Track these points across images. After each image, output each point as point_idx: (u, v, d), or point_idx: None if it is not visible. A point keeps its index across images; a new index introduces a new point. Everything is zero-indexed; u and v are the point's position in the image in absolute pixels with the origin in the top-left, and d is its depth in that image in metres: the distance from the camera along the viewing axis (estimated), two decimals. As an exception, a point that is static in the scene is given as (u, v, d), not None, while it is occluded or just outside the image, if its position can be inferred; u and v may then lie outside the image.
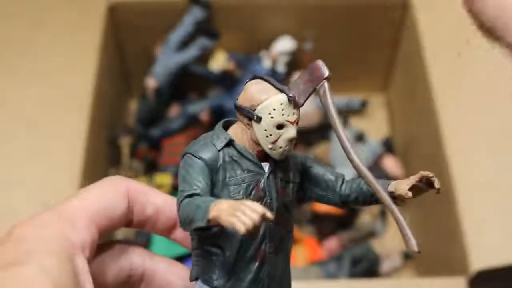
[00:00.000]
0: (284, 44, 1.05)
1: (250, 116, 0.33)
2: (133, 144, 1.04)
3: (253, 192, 0.34)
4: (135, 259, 0.36)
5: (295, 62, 1.07)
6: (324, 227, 0.99)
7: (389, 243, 0.99)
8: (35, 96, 0.90)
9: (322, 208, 0.97)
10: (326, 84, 0.33)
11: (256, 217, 0.28)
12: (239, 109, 0.34)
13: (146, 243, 0.93)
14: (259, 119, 0.33)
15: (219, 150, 0.34)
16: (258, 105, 0.33)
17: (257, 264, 0.34)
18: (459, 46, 0.94)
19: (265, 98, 0.33)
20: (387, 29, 1.05)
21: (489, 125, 0.85)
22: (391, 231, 1.00)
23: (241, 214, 0.28)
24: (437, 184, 0.33)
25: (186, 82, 1.09)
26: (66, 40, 0.96)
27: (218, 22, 1.05)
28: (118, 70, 1.09)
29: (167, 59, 1.04)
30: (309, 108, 1.05)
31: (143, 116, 1.07)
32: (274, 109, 0.33)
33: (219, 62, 1.06)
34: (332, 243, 0.97)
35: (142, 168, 1.04)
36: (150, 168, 1.03)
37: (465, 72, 0.91)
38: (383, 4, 1.02)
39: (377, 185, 0.31)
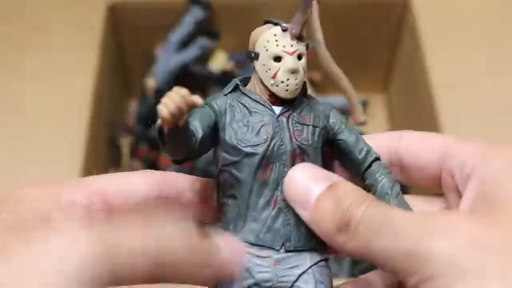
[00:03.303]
0: (284, 44, 1.05)
1: (251, 56, 0.33)
2: (133, 144, 1.04)
3: (260, 133, 0.32)
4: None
5: (295, 62, 1.07)
6: (324, 227, 0.99)
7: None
8: (35, 96, 0.90)
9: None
10: (315, 5, 0.33)
11: (177, 98, 0.28)
12: (247, 55, 0.34)
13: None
14: (257, 56, 0.33)
15: (225, 95, 0.34)
16: (256, 42, 0.33)
17: (273, 212, 0.32)
18: (459, 45, 0.94)
19: (260, 34, 0.33)
20: (387, 29, 1.05)
21: (489, 126, 0.85)
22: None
23: (166, 98, 0.28)
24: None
25: (186, 82, 1.09)
26: (66, 40, 0.96)
27: (218, 22, 1.05)
28: (118, 70, 1.09)
29: (167, 59, 1.04)
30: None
31: (143, 116, 1.07)
32: (268, 41, 0.33)
33: (219, 62, 1.06)
34: (332, 243, 0.97)
35: (142, 168, 1.04)
36: (150, 168, 1.03)
37: (466, 72, 0.91)
38: (383, 4, 1.02)
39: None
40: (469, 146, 0.32)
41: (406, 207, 0.33)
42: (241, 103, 0.33)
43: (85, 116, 0.87)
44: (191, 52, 1.05)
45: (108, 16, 1.00)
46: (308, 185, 0.31)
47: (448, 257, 0.26)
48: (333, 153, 0.35)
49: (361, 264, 0.94)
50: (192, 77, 1.08)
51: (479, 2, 0.99)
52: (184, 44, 1.05)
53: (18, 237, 0.24)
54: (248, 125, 0.32)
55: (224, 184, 0.33)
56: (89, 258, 0.23)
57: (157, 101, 0.30)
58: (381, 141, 0.35)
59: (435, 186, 0.34)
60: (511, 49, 0.93)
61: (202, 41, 1.05)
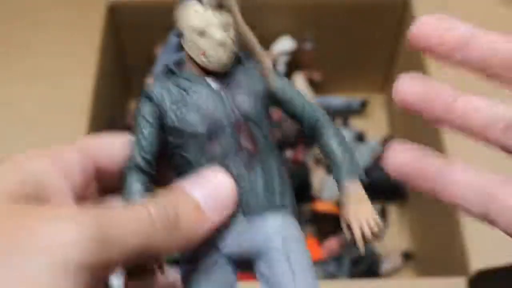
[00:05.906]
0: (284, 44, 1.05)
1: (177, 35, 0.33)
2: (133, 144, 1.04)
3: (199, 110, 0.32)
4: None
5: (295, 62, 1.07)
6: (324, 227, 0.99)
7: (389, 243, 0.99)
8: (35, 96, 0.90)
9: (322, 207, 0.97)
10: None
11: None
12: (173, 35, 0.34)
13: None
14: (183, 35, 0.33)
15: (160, 80, 0.34)
16: (180, 20, 0.33)
17: None
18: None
19: (182, 11, 0.33)
20: (387, 29, 1.05)
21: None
22: (391, 231, 1.00)
23: None
24: None
25: (186, 82, 1.09)
26: (66, 40, 0.96)
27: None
28: (118, 70, 1.09)
29: (167, 59, 1.04)
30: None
31: (143, 116, 1.07)
32: (190, 17, 0.32)
33: (219, 62, 1.06)
34: (332, 243, 0.97)
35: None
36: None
37: (465, 72, 0.91)
38: (383, 4, 1.02)
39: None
40: None
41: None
42: (177, 85, 0.33)
43: (85, 116, 0.87)
44: (191, 52, 1.05)
45: (108, 16, 1.00)
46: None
47: None
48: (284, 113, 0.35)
49: (361, 264, 0.94)
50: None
51: (479, 2, 0.99)
52: (184, 44, 1.05)
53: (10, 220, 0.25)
54: (187, 104, 0.32)
55: (176, 166, 0.33)
56: (80, 244, 0.24)
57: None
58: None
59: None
60: (511, 49, 0.93)
61: (202, 41, 1.04)
